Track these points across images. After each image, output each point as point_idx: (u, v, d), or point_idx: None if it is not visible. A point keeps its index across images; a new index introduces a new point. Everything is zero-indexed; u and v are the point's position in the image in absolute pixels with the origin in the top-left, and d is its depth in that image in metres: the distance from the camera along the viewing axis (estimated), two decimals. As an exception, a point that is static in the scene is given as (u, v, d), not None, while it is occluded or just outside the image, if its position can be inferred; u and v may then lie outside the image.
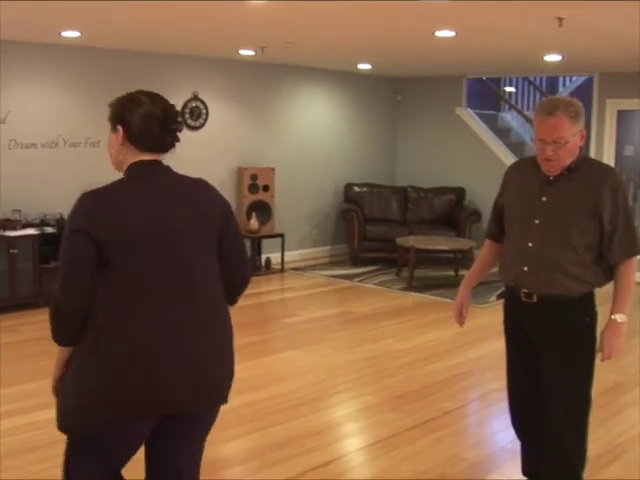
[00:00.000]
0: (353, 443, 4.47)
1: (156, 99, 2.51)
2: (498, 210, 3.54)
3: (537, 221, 3.26)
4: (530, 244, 3.28)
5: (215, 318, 2.50)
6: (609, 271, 3.26)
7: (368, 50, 7.98)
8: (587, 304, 3.28)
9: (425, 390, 5.40)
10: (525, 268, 3.29)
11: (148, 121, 2.45)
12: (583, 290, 3.24)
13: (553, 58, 7.93)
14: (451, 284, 8.97)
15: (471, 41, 6.86)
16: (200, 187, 2.56)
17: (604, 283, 3.30)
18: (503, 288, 3.59)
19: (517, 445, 4.23)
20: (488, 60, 8.61)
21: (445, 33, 6.39)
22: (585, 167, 3.24)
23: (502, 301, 3.56)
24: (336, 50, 7.97)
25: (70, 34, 6.84)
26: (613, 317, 3.24)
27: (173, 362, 2.39)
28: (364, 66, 9.69)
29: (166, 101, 2.52)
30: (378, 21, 5.94)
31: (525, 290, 3.31)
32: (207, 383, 2.48)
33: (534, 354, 3.40)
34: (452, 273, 9.53)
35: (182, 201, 2.47)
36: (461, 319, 3.71)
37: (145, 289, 2.38)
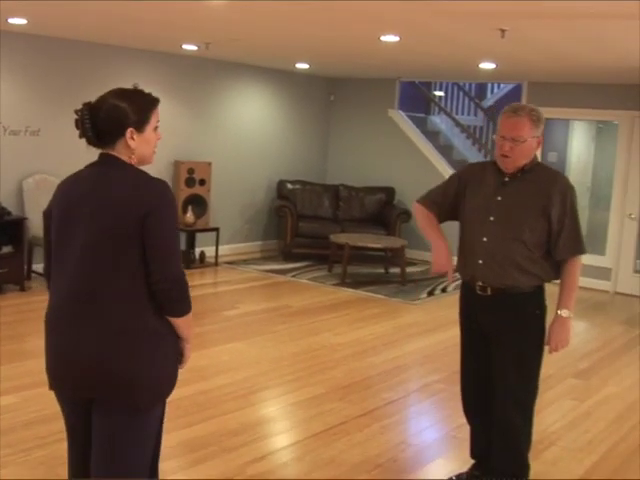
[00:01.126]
0: (306, 430, 4.64)
1: None
2: (453, 194, 3.66)
3: (492, 218, 3.50)
4: (485, 239, 3.50)
5: (100, 310, 2.50)
6: (557, 268, 3.51)
7: (311, 50, 8.15)
8: (537, 297, 3.52)
9: (368, 381, 5.62)
10: (480, 261, 3.52)
11: None
12: (533, 283, 3.48)
13: (488, 66, 8.27)
14: (382, 281, 9.24)
15: (414, 46, 7.11)
16: (127, 184, 2.55)
17: (552, 278, 3.55)
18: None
19: (460, 432, 4.52)
20: (426, 65, 8.90)
21: (390, 38, 6.62)
22: (538, 171, 3.51)
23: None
24: (279, 48, 8.10)
25: (17, 21, 6.80)
26: (559, 312, 3.48)
27: (54, 343, 2.60)
28: (302, 65, 9.87)
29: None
30: (327, 23, 6.12)
31: (480, 283, 3.54)
32: (69, 370, 2.57)
33: (486, 344, 3.63)
34: (383, 271, 9.79)
35: (93, 192, 2.55)
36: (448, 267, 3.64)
37: (56, 269, 2.61)
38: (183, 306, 2.57)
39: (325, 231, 9.94)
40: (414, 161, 11.00)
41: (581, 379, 5.89)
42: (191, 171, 9.42)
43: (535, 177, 3.49)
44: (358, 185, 11.01)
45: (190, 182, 9.43)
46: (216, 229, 9.60)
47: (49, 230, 2.68)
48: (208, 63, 9.68)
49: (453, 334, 6.97)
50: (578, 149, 11.28)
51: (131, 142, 2.58)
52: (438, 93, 12.46)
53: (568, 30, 5.70)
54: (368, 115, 11.36)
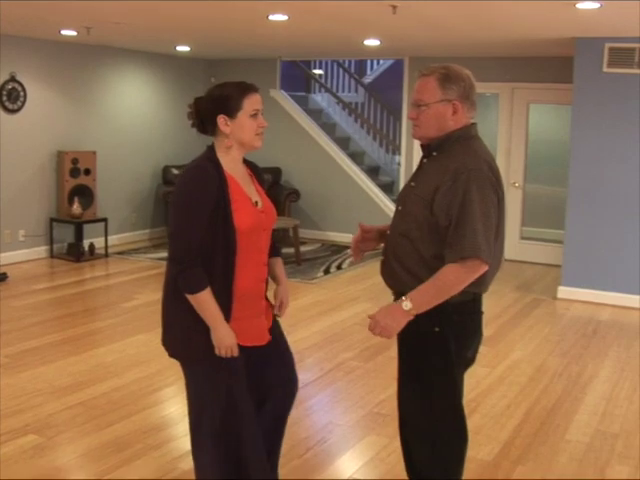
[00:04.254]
0: (230, 419, 4.57)
1: None
2: None
3: (400, 208, 2.95)
4: (389, 232, 2.98)
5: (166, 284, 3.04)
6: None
7: (194, 32, 7.97)
8: (438, 311, 2.74)
9: (282, 364, 5.59)
10: (382, 257, 2.99)
11: None
12: None
13: (372, 43, 8.32)
14: (278, 262, 9.20)
15: (303, 25, 7.06)
16: None
17: (465, 290, 2.74)
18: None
19: (383, 408, 4.63)
20: (311, 43, 8.85)
21: (279, 17, 6.55)
22: (455, 149, 2.81)
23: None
24: (163, 31, 7.87)
25: None
26: (401, 300, 2.74)
27: None
28: (183, 48, 9.66)
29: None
30: (215, 4, 5.99)
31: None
32: None
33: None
34: (277, 251, 9.75)
35: None
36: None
37: None
38: (181, 285, 2.84)
39: (215, 215, 9.80)
40: (299, 140, 11.00)
41: (488, 346, 6.03)
42: (75, 161, 9.08)
43: (442, 158, 2.82)
44: (245, 167, 10.91)
45: (75, 172, 9.08)
46: (104, 219, 9.32)
47: None
48: (88, 49, 9.34)
49: (356, 311, 7.12)
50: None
51: (225, 128, 2.91)
52: (317, 71, 12.48)
53: (455, 5, 5.79)
54: (250, 96, 11.23)
